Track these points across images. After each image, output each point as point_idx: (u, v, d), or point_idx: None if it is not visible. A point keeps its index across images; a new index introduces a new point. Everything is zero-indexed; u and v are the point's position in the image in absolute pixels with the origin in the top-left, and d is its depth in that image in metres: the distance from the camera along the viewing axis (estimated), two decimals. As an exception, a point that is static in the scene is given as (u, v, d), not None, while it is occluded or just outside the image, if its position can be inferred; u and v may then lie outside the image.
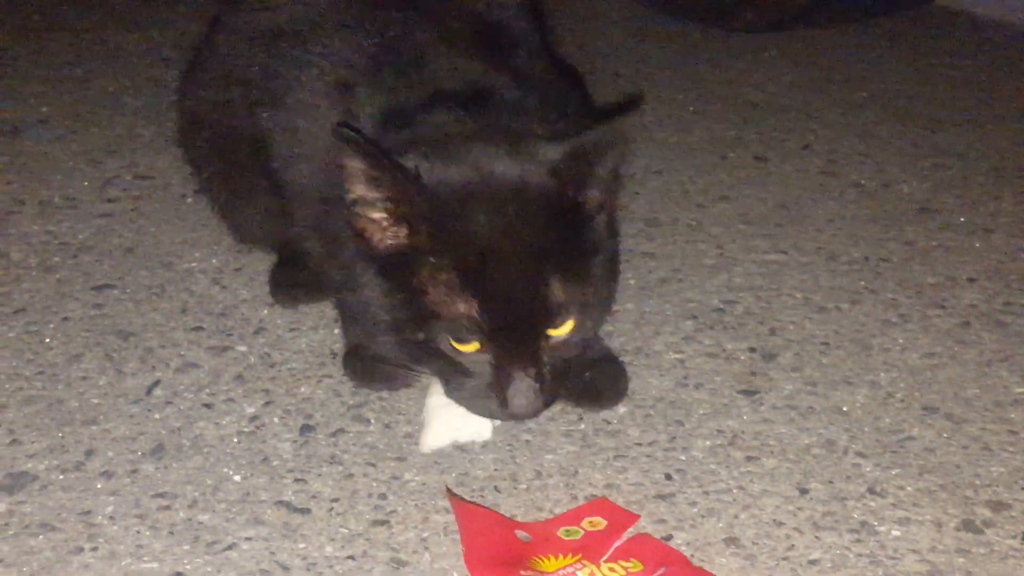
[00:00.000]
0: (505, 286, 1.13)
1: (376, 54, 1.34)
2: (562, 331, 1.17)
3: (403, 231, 1.15)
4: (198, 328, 1.47)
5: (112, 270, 1.60)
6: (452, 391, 1.21)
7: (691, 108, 2.27)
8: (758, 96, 2.34)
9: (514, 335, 1.14)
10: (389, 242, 1.16)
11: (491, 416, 1.21)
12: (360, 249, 1.19)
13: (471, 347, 1.15)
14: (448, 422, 1.25)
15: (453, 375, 1.18)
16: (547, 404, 1.19)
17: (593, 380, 1.33)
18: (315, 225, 1.34)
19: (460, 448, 1.25)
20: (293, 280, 1.53)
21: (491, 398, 1.17)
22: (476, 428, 1.25)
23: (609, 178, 1.19)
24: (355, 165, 1.12)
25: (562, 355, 1.19)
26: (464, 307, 1.13)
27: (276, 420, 1.30)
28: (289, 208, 1.40)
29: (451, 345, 1.15)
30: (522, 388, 1.15)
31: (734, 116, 2.23)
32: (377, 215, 1.15)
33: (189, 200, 1.78)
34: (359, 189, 1.14)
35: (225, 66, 1.51)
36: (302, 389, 1.36)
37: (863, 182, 1.96)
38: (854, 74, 2.48)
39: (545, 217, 1.15)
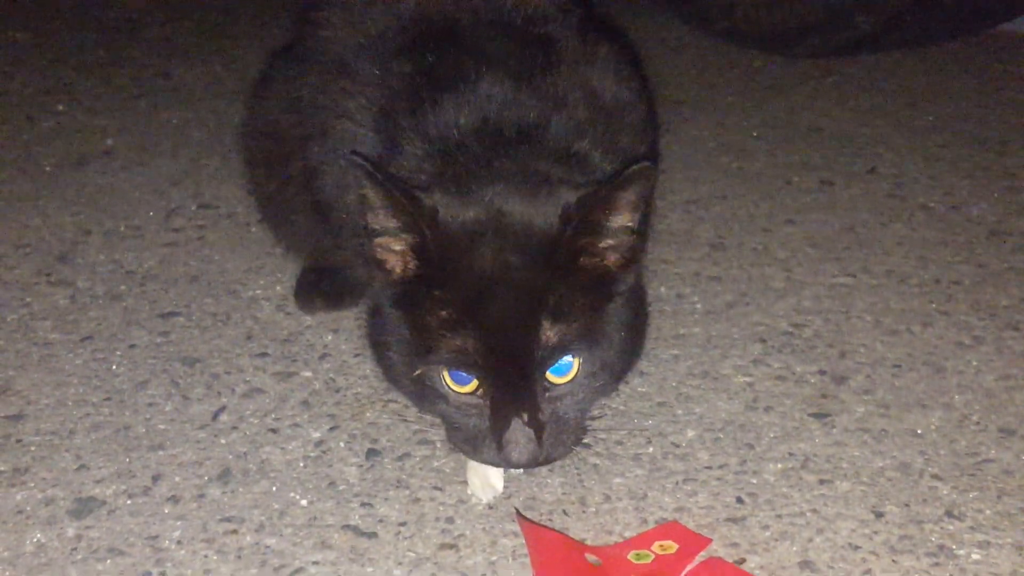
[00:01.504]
0: (500, 323, 1.13)
1: (419, 83, 1.33)
2: (565, 378, 1.16)
3: (414, 263, 1.17)
4: (263, 354, 1.47)
5: (178, 298, 1.60)
6: (451, 436, 1.20)
7: (754, 134, 2.26)
8: (822, 121, 2.32)
9: (510, 375, 1.14)
10: (401, 272, 1.18)
11: (488, 462, 1.19)
12: (380, 281, 1.21)
13: (469, 388, 1.15)
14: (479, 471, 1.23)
15: (452, 418, 1.18)
16: (549, 457, 1.17)
17: None
18: (359, 243, 1.35)
19: (527, 472, 1.24)
20: (315, 289, 1.58)
21: (488, 443, 1.16)
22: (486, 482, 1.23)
23: (624, 227, 1.17)
24: (372, 195, 1.14)
25: (568, 406, 1.18)
26: (461, 342, 1.13)
27: (342, 445, 1.29)
28: (333, 233, 1.42)
29: (449, 386, 1.16)
30: (518, 433, 1.14)
31: (798, 141, 2.21)
32: (393, 245, 1.17)
33: (253, 229, 1.79)
34: (377, 219, 1.16)
35: (280, 98, 1.53)
36: (368, 414, 1.35)
37: (931, 205, 1.93)
38: (919, 99, 2.45)
39: (545, 259, 1.14)
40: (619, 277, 1.20)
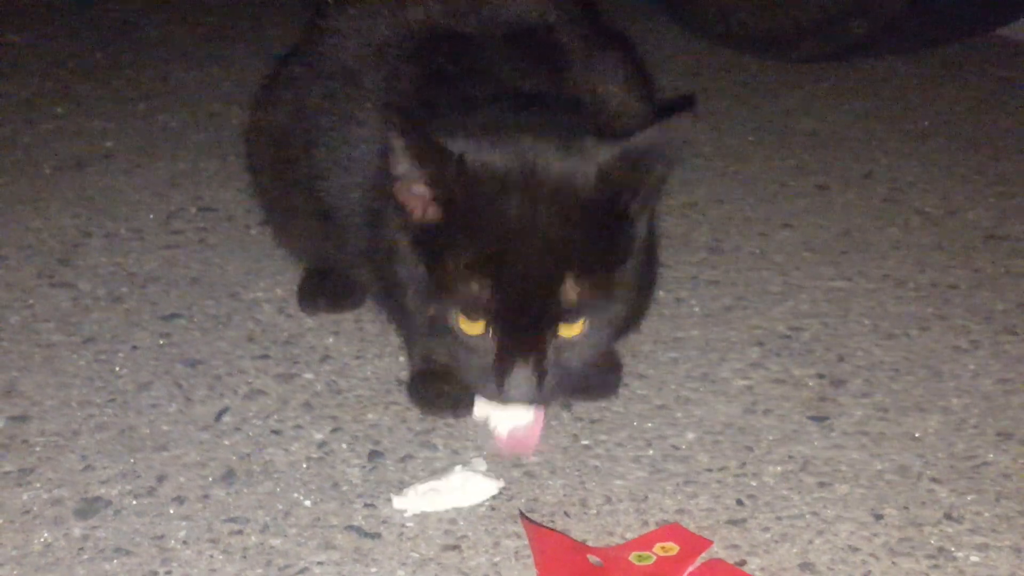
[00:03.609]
0: (520, 275, 1.14)
1: (430, 83, 1.35)
2: (573, 330, 1.18)
3: (438, 208, 1.18)
4: (265, 356, 1.48)
5: (179, 300, 1.61)
6: (457, 368, 1.23)
7: (750, 138, 2.27)
8: (818, 125, 2.33)
9: (520, 324, 1.16)
10: (425, 216, 1.19)
11: (487, 397, 1.22)
12: (400, 222, 1.22)
13: (478, 328, 1.17)
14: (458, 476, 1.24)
15: (459, 353, 1.21)
16: (546, 399, 1.21)
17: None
18: (365, 246, 1.38)
19: (528, 474, 1.25)
20: (318, 291, 1.59)
21: (490, 380, 1.19)
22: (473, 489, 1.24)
23: (656, 183, 1.19)
24: (399, 143, 1.15)
25: (572, 356, 1.19)
26: (476, 288, 1.15)
27: (344, 446, 1.30)
28: (337, 236, 1.44)
29: (459, 323, 1.17)
30: (520, 376, 1.16)
31: (794, 145, 2.23)
32: (418, 190, 1.18)
33: (253, 231, 1.80)
34: (402, 166, 1.17)
35: (285, 103, 1.54)
36: (369, 416, 1.36)
37: (927, 209, 1.94)
38: (914, 103, 2.47)
39: (577, 215, 1.16)
40: (641, 232, 1.21)
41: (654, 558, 1.12)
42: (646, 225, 1.24)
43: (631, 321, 1.31)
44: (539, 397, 1.19)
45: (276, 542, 1.15)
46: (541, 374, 1.17)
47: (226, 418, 1.35)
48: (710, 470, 1.27)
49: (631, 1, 3.01)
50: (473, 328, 1.17)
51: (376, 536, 1.16)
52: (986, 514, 1.20)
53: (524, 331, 1.16)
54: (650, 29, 2.85)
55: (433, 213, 1.18)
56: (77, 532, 1.15)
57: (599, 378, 1.37)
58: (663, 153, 1.16)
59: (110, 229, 1.82)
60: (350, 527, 1.17)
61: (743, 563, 1.13)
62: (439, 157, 1.15)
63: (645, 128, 1.18)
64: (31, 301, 1.59)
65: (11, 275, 1.66)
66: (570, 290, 1.15)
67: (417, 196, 1.18)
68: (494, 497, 1.21)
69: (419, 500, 1.20)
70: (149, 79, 2.55)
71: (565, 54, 1.42)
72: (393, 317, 1.45)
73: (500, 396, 1.19)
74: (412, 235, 1.21)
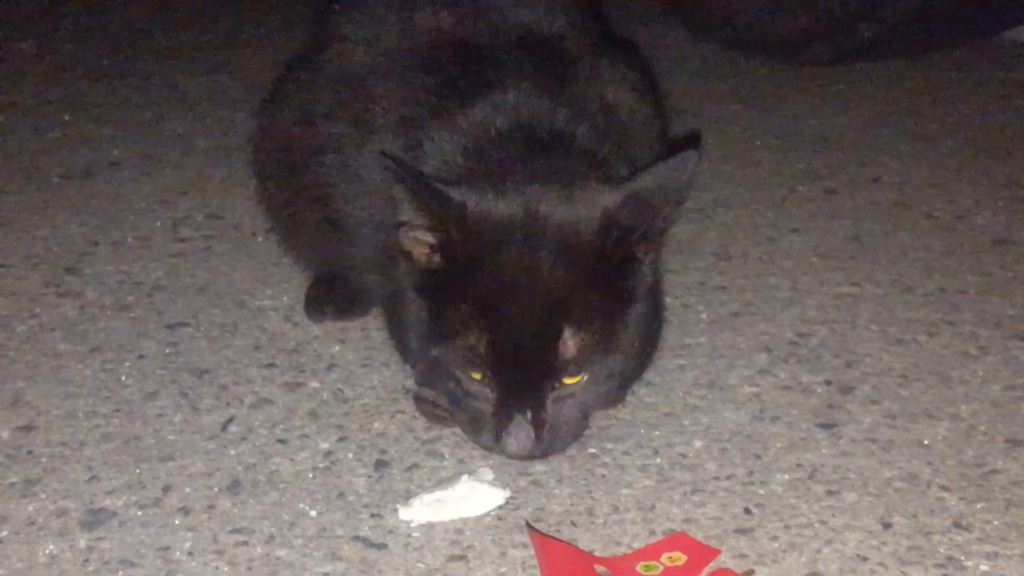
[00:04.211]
0: (517, 329, 1.14)
1: (442, 92, 1.35)
2: (573, 380, 1.18)
3: (439, 255, 1.18)
4: (271, 365, 1.47)
5: (186, 308, 1.61)
6: (456, 415, 1.24)
7: (758, 143, 2.26)
8: (826, 129, 2.33)
9: (519, 378, 1.16)
10: (426, 263, 1.20)
11: (484, 447, 1.23)
12: (406, 266, 1.23)
13: (478, 375, 1.17)
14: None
15: (459, 399, 1.21)
16: (548, 451, 1.20)
17: None
18: (374, 253, 1.38)
19: (535, 483, 1.25)
20: (325, 298, 1.59)
21: (488, 430, 1.19)
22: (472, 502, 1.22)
23: (662, 224, 1.18)
24: (402, 192, 1.16)
25: (573, 407, 1.20)
26: (474, 339, 1.15)
27: (351, 456, 1.30)
28: (345, 239, 1.44)
29: (459, 371, 1.18)
30: (518, 430, 1.16)
31: (802, 150, 2.22)
32: (421, 236, 1.18)
33: (260, 239, 1.80)
34: (406, 213, 1.18)
35: (293, 110, 1.54)
36: (375, 425, 1.35)
37: (936, 214, 1.93)
38: (923, 107, 2.46)
39: (580, 263, 1.15)
40: (648, 277, 1.20)
41: (661, 568, 1.11)
42: (652, 269, 1.23)
43: (636, 374, 1.30)
44: (537, 450, 1.19)
45: (282, 553, 1.14)
46: (539, 426, 1.16)
47: (232, 427, 1.35)
48: (717, 478, 1.26)
49: (639, 5, 3.00)
50: (473, 375, 1.17)
51: (382, 546, 1.15)
52: (996, 522, 1.19)
53: (522, 384, 1.16)
54: (657, 33, 2.84)
55: (436, 260, 1.19)
56: (82, 543, 1.15)
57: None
58: (669, 193, 1.15)
59: (117, 237, 1.82)
60: (356, 537, 1.16)
61: (751, 572, 1.12)
62: (441, 206, 1.15)
63: (650, 168, 1.18)
64: (37, 310, 1.59)
65: (17, 284, 1.66)
66: (569, 343, 1.14)
67: (421, 242, 1.19)
68: (500, 507, 1.21)
69: (425, 510, 1.19)
70: (157, 86, 2.56)
71: (574, 62, 1.41)
72: (393, 338, 1.44)
73: (497, 448, 1.19)
74: (416, 279, 1.22)
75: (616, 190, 1.18)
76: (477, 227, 1.16)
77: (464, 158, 1.28)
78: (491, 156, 1.26)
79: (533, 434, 1.16)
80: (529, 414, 1.16)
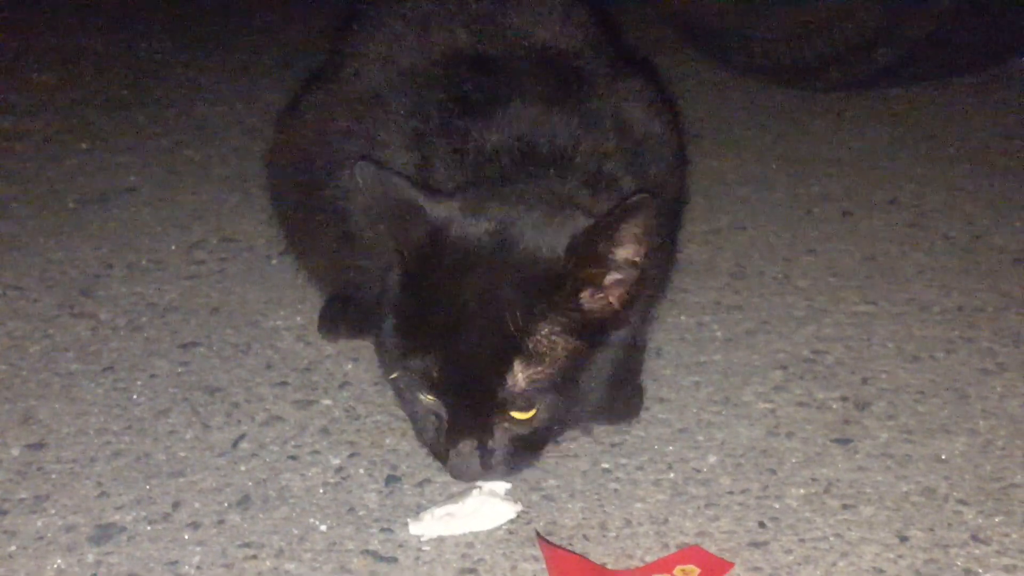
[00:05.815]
0: (467, 357, 1.12)
1: (453, 108, 1.35)
2: (524, 415, 1.15)
3: (402, 272, 1.18)
4: (283, 383, 1.47)
5: (199, 329, 1.61)
6: (417, 431, 1.23)
7: (773, 166, 2.25)
8: (842, 153, 2.32)
9: (466, 405, 1.14)
10: (400, 279, 1.19)
11: (439, 463, 1.21)
12: (386, 283, 1.23)
13: (431, 398, 1.16)
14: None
15: (417, 416, 1.21)
16: (493, 477, 1.19)
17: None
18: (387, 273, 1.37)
19: (547, 497, 1.23)
20: (339, 317, 1.58)
21: (440, 452, 1.19)
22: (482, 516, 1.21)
23: (629, 260, 1.15)
24: (372, 204, 1.18)
25: (528, 437, 1.18)
26: (422, 362, 1.14)
27: (362, 471, 1.29)
28: (359, 261, 1.43)
29: (416, 392, 1.17)
30: (463, 455, 1.15)
31: (818, 172, 2.21)
32: (397, 250, 1.18)
33: (274, 262, 1.80)
34: (384, 224, 1.18)
35: (309, 128, 1.54)
36: (387, 441, 1.35)
37: (953, 234, 1.92)
38: (939, 131, 2.45)
39: (540, 296, 1.13)
40: (618, 318, 1.18)
41: (674, 581, 1.10)
42: (632, 315, 1.20)
43: (594, 417, 1.29)
44: (482, 476, 1.18)
45: (291, 567, 1.13)
46: (486, 453, 1.15)
47: (243, 444, 1.34)
48: (732, 493, 1.25)
49: (655, 32, 3.00)
50: (428, 397, 1.16)
51: (392, 560, 1.14)
52: (1013, 535, 1.17)
53: (469, 412, 1.15)
54: (673, 59, 2.84)
55: (402, 276, 1.19)
56: (90, 558, 1.14)
57: (620, 402, 1.35)
58: (627, 231, 1.12)
59: (132, 260, 1.82)
60: (366, 551, 1.16)
61: (765, 586, 1.11)
62: (411, 223, 1.16)
63: (609, 209, 1.15)
64: (51, 331, 1.59)
65: (32, 306, 1.66)
66: (519, 377, 1.13)
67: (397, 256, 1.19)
68: (512, 521, 1.20)
69: (436, 524, 1.18)
70: (174, 115, 2.57)
71: (589, 79, 1.41)
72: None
73: (446, 469, 1.18)
74: (393, 296, 1.20)
75: (588, 218, 1.16)
76: (442, 248, 1.15)
77: (464, 174, 1.27)
78: (488, 173, 1.26)
79: (478, 459, 1.15)
80: (475, 441, 1.15)
